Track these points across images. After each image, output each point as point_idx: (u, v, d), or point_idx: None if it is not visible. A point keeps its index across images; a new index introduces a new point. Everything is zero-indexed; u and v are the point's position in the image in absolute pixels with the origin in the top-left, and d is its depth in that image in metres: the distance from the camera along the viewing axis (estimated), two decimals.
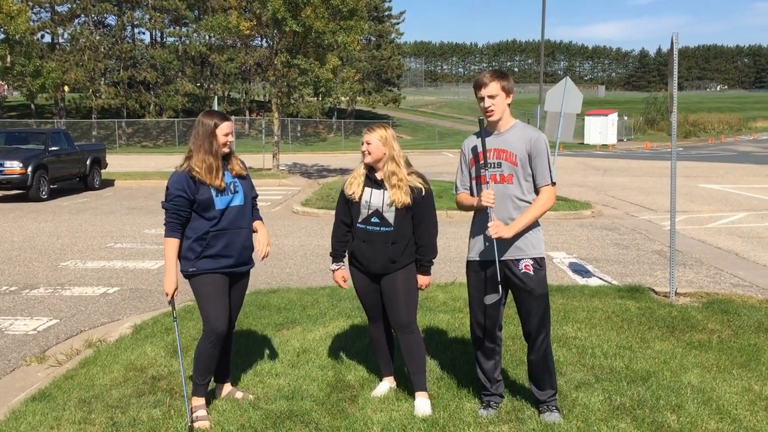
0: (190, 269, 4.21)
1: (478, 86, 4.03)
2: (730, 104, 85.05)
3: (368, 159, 4.21)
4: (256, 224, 4.49)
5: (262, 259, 4.50)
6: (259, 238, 4.44)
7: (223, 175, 4.23)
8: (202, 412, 4.22)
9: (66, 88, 48.09)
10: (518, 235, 3.99)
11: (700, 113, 65.97)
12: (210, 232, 4.18)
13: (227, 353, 4.54)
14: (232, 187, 4.28)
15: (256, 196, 4.58)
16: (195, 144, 4.21)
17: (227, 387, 4.60)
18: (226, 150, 4.26)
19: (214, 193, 4.17)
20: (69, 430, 4.13)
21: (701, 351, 5.36)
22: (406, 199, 4.16)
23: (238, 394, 4.54)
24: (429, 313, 6.45)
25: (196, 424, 4.12)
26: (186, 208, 4.16)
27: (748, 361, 5.12)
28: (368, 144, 4.20)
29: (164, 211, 4.19)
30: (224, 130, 4.21)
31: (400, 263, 4.25)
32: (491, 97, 3.99)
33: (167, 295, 4.18)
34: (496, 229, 3.91)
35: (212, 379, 4.46)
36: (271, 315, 6.55)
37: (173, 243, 4.19)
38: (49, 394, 4.73)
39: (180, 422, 4.15)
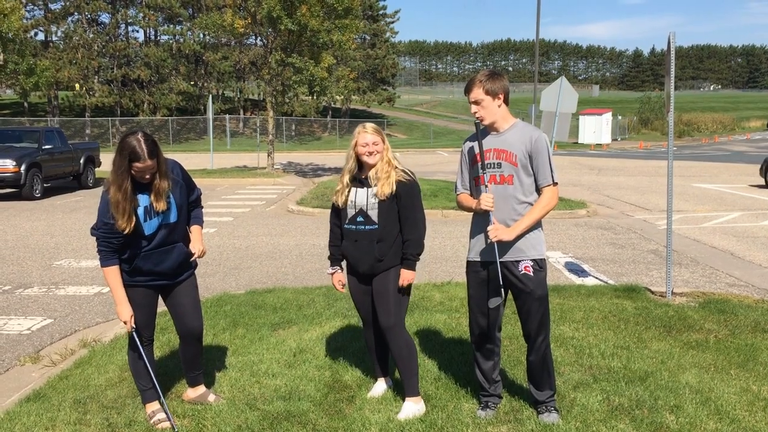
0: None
1: (465, 92, 4.07)
2: (724, 104, 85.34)
3: (375, 159, 4.15)
4: (193, 228, 4.28)
5: (196, 257, 4.27)
6: (193, 244, 4.23)
7: (132, 216, 3.85)
8: (161, 415, 4.19)
9: (77, 86, 47.85)
10: (518, 236, 3.97)
11: (694, 113, 66.16)
12: (138, 254, 3.98)
13: (197, 358, 4.42)
14: (157, 208, 3.97)
15: (198, 196, 4.34)
16: (112, 172, 3.84)
17: (200, 389, 4.51)
18: (143, 182, 3.90)
19: (142, 217, 3.92)
20: (64, 430, 4.10)
21: (699, 351, 5.36)
22: (389, 189, 4.10)
23: (211, 397, 4.48)
24: (426, 313, 6.43)
25: (159, 426, 4.11)
26: (117, 234, 3.87)
27: (746, 361, 5.11)
28: (375, 144, 4.13)
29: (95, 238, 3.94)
30: (140, 169, 3.79)
31: (387, 262, 4.18)
32: (476, 102, 3.99)
33: (125, 323, 4.02)
34: (495, 232, 3.89)
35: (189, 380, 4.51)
36: (267, 315, 6.52)
37: (113, 271, 3.95)
38: (44, 394, 4.69)
39: (177, 423, 4.12)
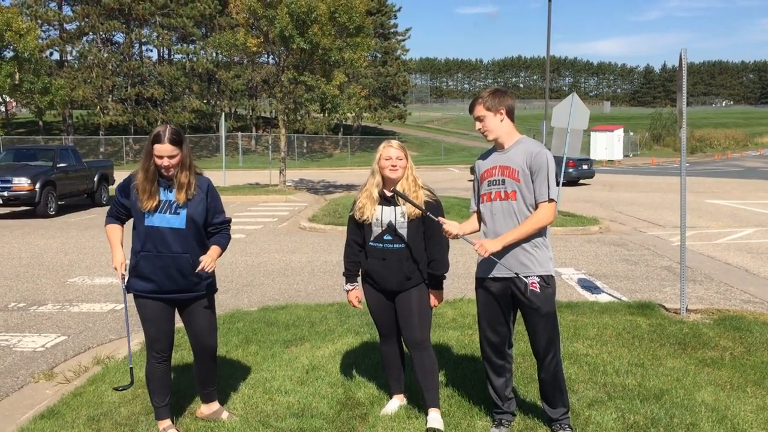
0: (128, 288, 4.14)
1: (470, 111, 4.15)
2: (736, 120, 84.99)
3: (396, 174, 4.16)
4: (212, 247, 4.16)
5: (197, 270, 4.04)
6: (203, 257, 4.05)
7: (155, 195, 3.99)
8: (172, 431, 4.20)
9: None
10: (525, 253, 3.96)
11: (706, 129, 65.86)
12: (140, 252, 4.02)
13: (210, 375, 4.42)
14: (173, 207, 4.02)
15: (223, 221, 4.25)
16: (142, 157, 4.11)
17: (214, 405, 4.50)
18: (168, 173, 3.99)
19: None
20: None
21: (714, 368, 5.31)
22: (419, 211, 4.14)
23: (224, 415, 4.47)
24: (438, 329, 6.41)
25: None
26: (121, 207, 4.18)
27: (762, 379, 5.06)
28: (399, 159, 4.16)
29: None
30: (159, 151, 3.93)
31: (414, 280, 4.22)
32: (479, 120, 4.07)
33: (116, 269, 4.04)
34: (482, 249, 3.90)
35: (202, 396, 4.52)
36: (280, 332, 6.52)
37: (113, 227, 4.23)
38: (58, 411, 4.70)
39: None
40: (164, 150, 3.93)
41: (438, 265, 4.26)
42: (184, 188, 4.03)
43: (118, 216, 4.23)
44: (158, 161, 3.96)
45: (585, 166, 28.53)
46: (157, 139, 3.94)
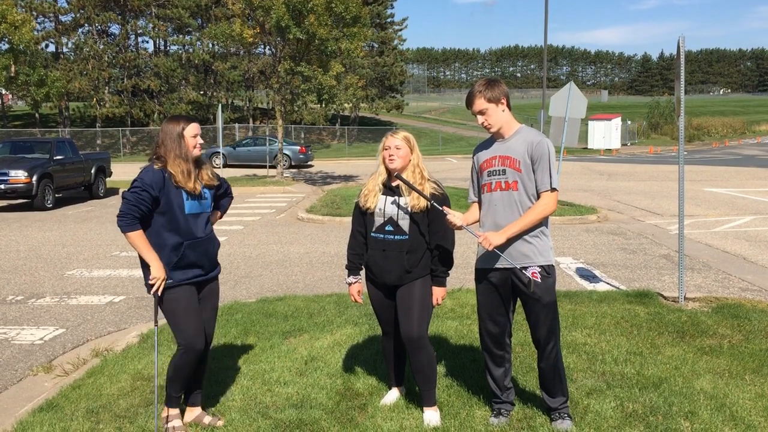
0: (167, 281, 4.03)
1: (468, 106, 4.08)
2: (734, 108, 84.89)
3: (396, 164, 4.09)
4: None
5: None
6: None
7: (198, 179, 4.15)
8: (177, 422, 4.17)
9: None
10: (525, 243, 3.95)
11: (704, 117, 65.72)
12: (184, 242, 4.04)
13: (200, 375, 4.33)
14: (201, 194, 4.18)
15: (228, 184, 4.57)
16: (165, 150, 4.06)
17: (196, 410, 4.35)
18: (197, 152, 4.16)
19: (185, 196, 4.04)
20: None
21: (712, 356, 5.32)
22: (424, 202, 4.06)
23: (206, 419, 4.29)
24: (437, 320, 6.41)
25: None
26: (149, 203, 3.95)
27: (761, 367, 5.07)
28: (397, 149, 4.09)
29: (123, 200, 3.96)
30: (192, 131, 4.12)
31: (416, 273, 4.12)
32: (481, 113, 4.00)
33: (158, 279, 3.96)
34: (487, 241, 3.88)
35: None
36: (278, 323, 6.52)
37: (140, 234, 3.95)
38: (57, 404, 4.70)
39: (191, 431, 4.12)
40: (197, 128, 4.16)
41: (442, 260, 4.16)
42: (207, 172, 4.28)
43: (139, 217, 3.96)
44: (194, 141, 4.13)
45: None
46: (190, 121, 4.14)
